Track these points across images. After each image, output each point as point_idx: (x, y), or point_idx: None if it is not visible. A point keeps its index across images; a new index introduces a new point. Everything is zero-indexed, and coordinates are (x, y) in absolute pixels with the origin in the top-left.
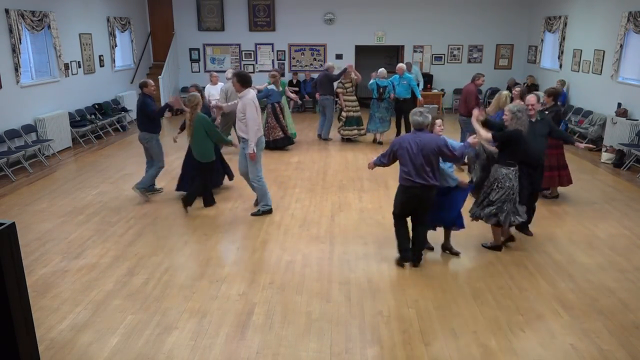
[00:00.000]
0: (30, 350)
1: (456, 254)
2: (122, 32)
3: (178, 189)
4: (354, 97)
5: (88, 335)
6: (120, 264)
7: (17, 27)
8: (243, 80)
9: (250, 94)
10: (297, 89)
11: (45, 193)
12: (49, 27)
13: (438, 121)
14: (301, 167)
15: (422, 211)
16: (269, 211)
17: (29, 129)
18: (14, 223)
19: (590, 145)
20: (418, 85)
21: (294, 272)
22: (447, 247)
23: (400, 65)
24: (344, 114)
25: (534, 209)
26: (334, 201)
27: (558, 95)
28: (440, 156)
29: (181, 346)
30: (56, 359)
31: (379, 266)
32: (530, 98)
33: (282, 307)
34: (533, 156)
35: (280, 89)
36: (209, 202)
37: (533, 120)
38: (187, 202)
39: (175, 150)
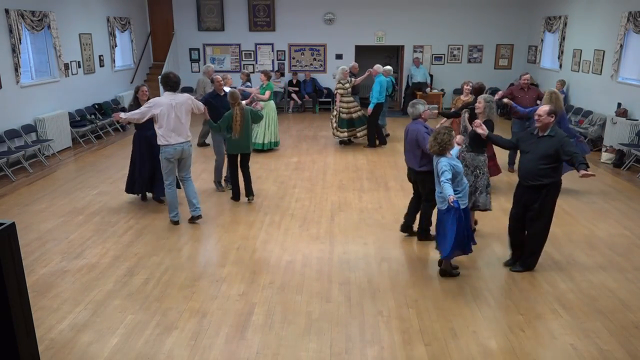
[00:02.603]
0: (30, 351)
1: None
2: (122, 32)
3: (135, 191)
4: (350, 99)
5: (88, 335)
6: (120, 264)
7: (17, 27)
8: (161, 82)
9: (157, 98)
10: (297, 89)
11: (45, 193)
12: (49, 27)
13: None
14: (301, 167)
15: (422, 190)
16: (174, 222)
17: (29, 129)
18: (14, 223)
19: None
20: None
21: (294, 272)
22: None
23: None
24: (334, 113)
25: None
26: (334, 201)
27: (480, 90)
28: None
29: (181, 346)
30: (56, 359)
31: (379, 266)
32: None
33: (282, 307)
34: None
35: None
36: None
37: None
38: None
39: None
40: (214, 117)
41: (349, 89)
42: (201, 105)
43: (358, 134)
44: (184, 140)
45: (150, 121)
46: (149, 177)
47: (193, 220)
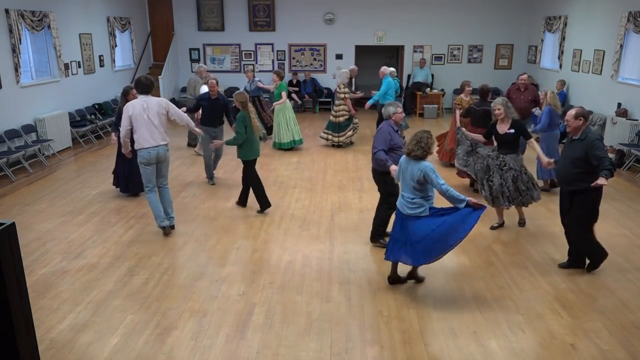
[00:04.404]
0: (30, 351)
1: (421, 280)
2: (122, 32)
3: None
4: (338, 102)
5: (88, 335)
6: (120, 264)
7: (17, 27)
8: (135, 87)
9: (130, 102)
10: (297, 89)
11: (45, 193)
12: (49, 27)
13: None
14: (301, 167)
15: (380, 190)
16: (162, 228)
17: (29, 129)
18: (14, 223)
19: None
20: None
21: (294, 272)
22: (413, 275)
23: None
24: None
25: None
26: (334, 201)
27: (486, 92)
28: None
29: (181, 346)
30: (56, 359)
31: (379, 266)
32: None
33: (282, 307)
34: None
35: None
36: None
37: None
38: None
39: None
40: (204, 120)
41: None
42: (184, 116)
43: (339, 139)
44: (158, 143)
45: None
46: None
47: (166, 231)
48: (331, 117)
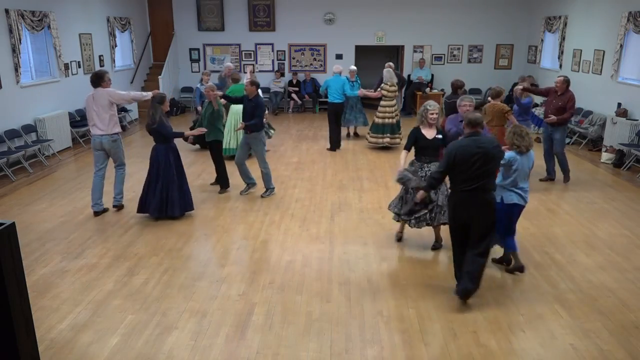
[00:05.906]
0: (30, 351)
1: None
2: (122, 32)
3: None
4: (389, 103)
5: (88, 335)
6: (120, 264)
7: (17, 27)
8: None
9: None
10: (297, 89)
11: (45, 193)
12: (49, 27)
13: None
14: (301, 167)
15: None
16: (95, 213)
17: (29, 129)
18: (14, 223)
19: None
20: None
21: (294, 272)
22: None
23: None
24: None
25: None
26: (334, 201)
27: (459, 86)
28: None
29: (181, 346)
30: (56, 359)
31: (379, 266)
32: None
33: (282, 307)
34: None
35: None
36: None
37: None
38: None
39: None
40: (246, 119)
41: (389, 93)
42: (127, 95)
43: (395, 140)
44: (102, 133)
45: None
46: (160, 197)
47: (112, 208)
48: (385, 120)
